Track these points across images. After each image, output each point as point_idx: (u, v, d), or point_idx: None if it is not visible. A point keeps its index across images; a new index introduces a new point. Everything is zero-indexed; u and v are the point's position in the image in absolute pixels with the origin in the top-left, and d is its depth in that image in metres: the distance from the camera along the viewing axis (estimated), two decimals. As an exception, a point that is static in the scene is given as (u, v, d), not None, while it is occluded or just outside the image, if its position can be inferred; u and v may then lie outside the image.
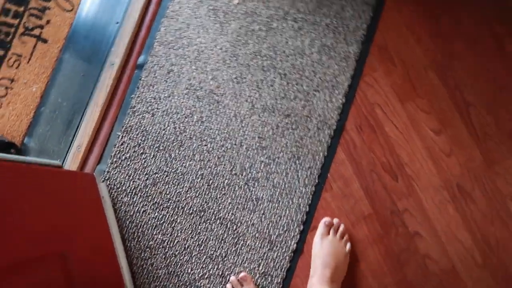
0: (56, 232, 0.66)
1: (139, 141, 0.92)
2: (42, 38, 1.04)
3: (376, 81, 0.91)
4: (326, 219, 0.85)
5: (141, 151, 0.92)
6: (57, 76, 0.99)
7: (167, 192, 0.89)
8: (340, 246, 0.82)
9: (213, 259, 0.86)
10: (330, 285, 0.76)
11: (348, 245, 0.83)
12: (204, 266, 0.86)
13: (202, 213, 0.88)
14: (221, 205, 0.88)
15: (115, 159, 0.92)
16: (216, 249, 0.86)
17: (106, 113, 0.94)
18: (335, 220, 0.85)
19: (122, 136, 0.93)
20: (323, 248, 0.82)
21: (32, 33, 1.05)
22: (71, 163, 0.91)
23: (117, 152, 0.92)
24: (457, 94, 0.88)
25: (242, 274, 0.84)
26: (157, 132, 0.92)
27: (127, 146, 0.92)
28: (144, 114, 0.93)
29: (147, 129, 0.93)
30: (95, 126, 0.93)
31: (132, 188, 0.90)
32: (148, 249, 0.88)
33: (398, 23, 0.93)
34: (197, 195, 0.89)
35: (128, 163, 0.91)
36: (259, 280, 0.84)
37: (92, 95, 0.94)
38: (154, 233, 0.88)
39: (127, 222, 0.89)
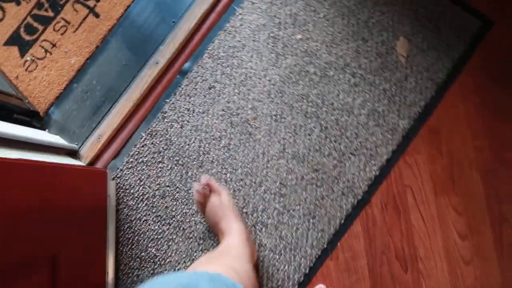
0: (53, 233, 0.63)
1: (160, 149, 0.89)
2: (95, 12, 1.00)
3: (416, 163, 0.86)
4: (321, 286, 0.82)
5: (160, 160, 0.89)
6: (98, 56, 0.96)
7: (173, 209, 0.87)
8: (328, 317, 0.80)
9: (199, 291, 0.83)
10: None
11: (336, 321, 0.80)
12: (187, 295, 0.83)
13: (202, 241, 0.85)
14: (222, 239, 0.85)
15: (131, 160, 0.89)
16: (204, 283, 0.83)
17: (136, 110, 0.91)
18: (330, 290, 0.82)
19: (145, 139, 0.90)
20: (310, 314, 0.79)
21: (86, 3, 1.01)
22: (88, 151, 0.88)
23: (136, 153, 0.89)
24: (495, 205, 0.83)
25: (203, 179, 0.79)
26: (181, 145, 0.89)
27: (147, 150, 0.89)
28: (173, 123, 0.90)
29: (172, 139, 0.89)
30: (122, 120, 0.90)
31: (140, 194, 0.87)
32: (138, 259, 0.85)
33: (458, 111, 0.87)
34: (202, 221, 0.86)
35: (143, 167, 0.88)
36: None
37: (128, 88, 0.91)
38: (149, 245, 0.86)
39: (126, 226, 0.87)
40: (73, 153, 0.88)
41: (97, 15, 1.00)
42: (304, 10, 0.92)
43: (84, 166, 0.76)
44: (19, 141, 0.67)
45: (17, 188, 0.52)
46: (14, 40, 1.01)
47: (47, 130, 0.91)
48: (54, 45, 1.00)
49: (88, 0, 1.01)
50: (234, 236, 0.74)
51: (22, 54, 1.00)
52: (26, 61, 1.00)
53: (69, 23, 1.01)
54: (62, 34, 1.00)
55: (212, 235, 0.85)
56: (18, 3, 1.04)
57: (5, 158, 0.50)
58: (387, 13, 0.90)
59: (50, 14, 1.02)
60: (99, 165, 0.88)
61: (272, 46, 0.92)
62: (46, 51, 1.00)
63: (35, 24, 1.02)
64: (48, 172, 0.61)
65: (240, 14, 0.93)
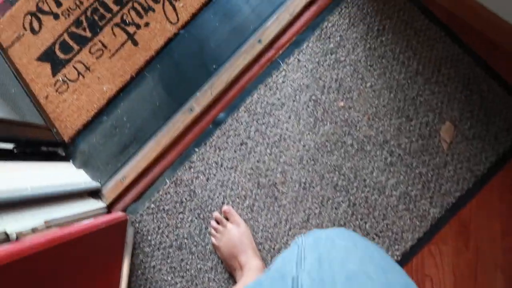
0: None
1: (183, 199, 0.88)
2: (134, 39, 0.97)
3: (440, 254, 0.84)
4: None
5: (181, 210, 0.87)
6: (132, 90, 0.93)
7: (188, 263, 0.86)
8: None
9: None
10: None
11: None
12: None
13: (212, 299, 0.85)
14: (232, 300, 0.85)
15: (153, 206, 0.88)
16: None
17: (163, 154, 0.89)
18: None
19: (169, 186, 0.88)
20: None
21: (126, 29, 0.97)
22: (110, 191, 0.87)
23: (158, 199, 0.88)
24: (515, 311, 0.81)
25: (225, 207, 0.84)
26: (204, 199, 0.87)
27: (170, 198, 0.88)
28: (199, 174, 0.88)
29: (196, 191, 0.88)
30: (148, 164, 0.88)
31: (158, 242, 0.87)
32: (147, 306, 0.86)
33: (492, 208, 0.84)
34: (215, 279, 0.85)
35: (164, 215, 0.87)
36: None
37: (158, 131, 0.89)
38: (159, 295, 0.86)
39: (139, 272, 0.86)
40: (95, 192, 0.87)
41: (135, 43, 0.97)
42: (351, 77, 0.88)
43: (106, 218, 0.75)
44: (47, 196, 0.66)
45: (40, 266, 0.51)
46: (47, 56, 0.99)
47: (71, 160, 0.90)
48: (87, 68, 0.97)
49: (128, 26, 0.97)
50: (252, 275, 0.73)
51: (54, 72, 0.98)
52: (57, 80, 0.97)
53: (106, 47, 0.97)
54: (97, 58, 0.97)
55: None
56: (57, 17, 1.00)
57: (29, 247, 0.49)
58: (438, 94, 0.86)
59: (88, 34, 0.98)
60: (119, 206, 0.87)
61: (312, 110, 0.88)
62: (79, 73, 0.97)
63: (71, 43, 0.98)
64: (73, 241, 0.60)
65: (284, 70, 0.89)
